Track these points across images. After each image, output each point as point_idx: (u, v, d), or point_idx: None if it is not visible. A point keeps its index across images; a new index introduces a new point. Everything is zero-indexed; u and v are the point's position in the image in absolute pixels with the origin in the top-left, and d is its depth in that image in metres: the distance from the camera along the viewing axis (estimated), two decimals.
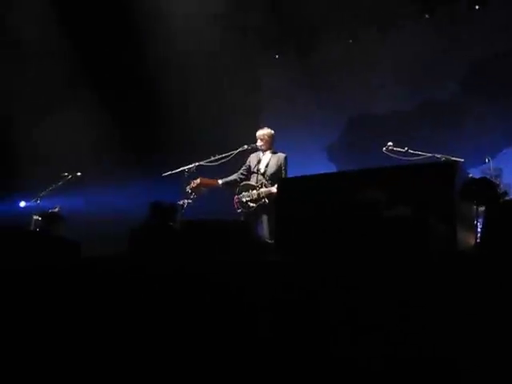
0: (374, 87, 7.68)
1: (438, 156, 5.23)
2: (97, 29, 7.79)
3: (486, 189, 3.72)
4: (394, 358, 2.50)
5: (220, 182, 6.00)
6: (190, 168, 5.95)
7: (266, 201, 5.61)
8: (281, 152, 5.95)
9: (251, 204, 5.71)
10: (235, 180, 5.99)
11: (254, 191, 5.73)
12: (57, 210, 6.04)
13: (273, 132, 5.99)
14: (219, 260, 3.30)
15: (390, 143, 5.55)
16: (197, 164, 5.97)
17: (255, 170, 5.87)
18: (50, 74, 7.68)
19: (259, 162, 5.89)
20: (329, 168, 7.66)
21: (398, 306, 2.62)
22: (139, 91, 8.09)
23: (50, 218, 5.44)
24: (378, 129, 7.37)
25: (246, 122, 7.64)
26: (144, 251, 3.97)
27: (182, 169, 5.97)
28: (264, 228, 5.58)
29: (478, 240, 3.78)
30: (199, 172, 5.97)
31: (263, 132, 5.97)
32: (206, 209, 5.80)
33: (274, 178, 5.70)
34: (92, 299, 3.36)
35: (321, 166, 7.53)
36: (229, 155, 5.95)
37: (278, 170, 5.81)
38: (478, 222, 3.94)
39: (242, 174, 5.99)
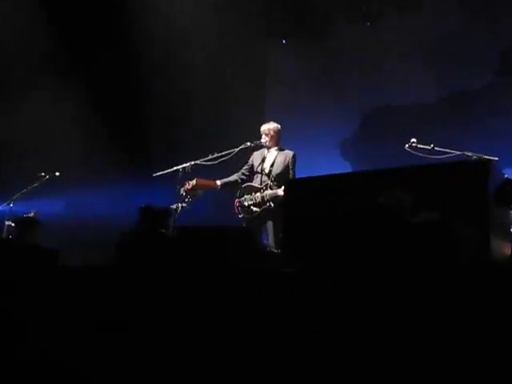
0: (393, 76, 7.65)
1: (469, 154, 5.20)
2: (84, 18, 7.85)
3: None
4: (420, 375, 2.47)
5: (219, 183, 5.98)
6: (185, 167, 5.91)
7: (272, 205, 5.60)
8: (288, 149, 5.92)
9: (254, 208, 5.70)
10: (236, 181, 5.98)
11: (258, 194, 5.72)
12: (32, 214, 6.07)
13: (279, 126, 5.97)
14: (217, 271, 3.27)
15: (413, 140, 5.51)
16: (192, 163, 5.93)
17: (259, 169, 5.87)
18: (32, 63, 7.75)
19: (264, 160, 5.89)
20: (342, 166, 7.71)
21: (419, 320, 2.59)
22: (132, 83, 8.12)
23: (24, 223, 5.46)
24: (398, 123, 7.40)
25: (249, 112, 7.65)
26: (132, 260, 3.95)
27: (175, 168, 5.94)
28: (269, 235, 5.59)
29: None
30: (195, 172, 5.94)
31: (268, 126, 5.95)
32: (203, 214, 5.79)
33: (281, 178, 5.69)
34: (70, 314, 3.33)
35: (333, 164, 7.57)
36: (229, 153, 5.92)
37: (285, 169, 5.80)
38: None
39: (243, 174, 5.99)
